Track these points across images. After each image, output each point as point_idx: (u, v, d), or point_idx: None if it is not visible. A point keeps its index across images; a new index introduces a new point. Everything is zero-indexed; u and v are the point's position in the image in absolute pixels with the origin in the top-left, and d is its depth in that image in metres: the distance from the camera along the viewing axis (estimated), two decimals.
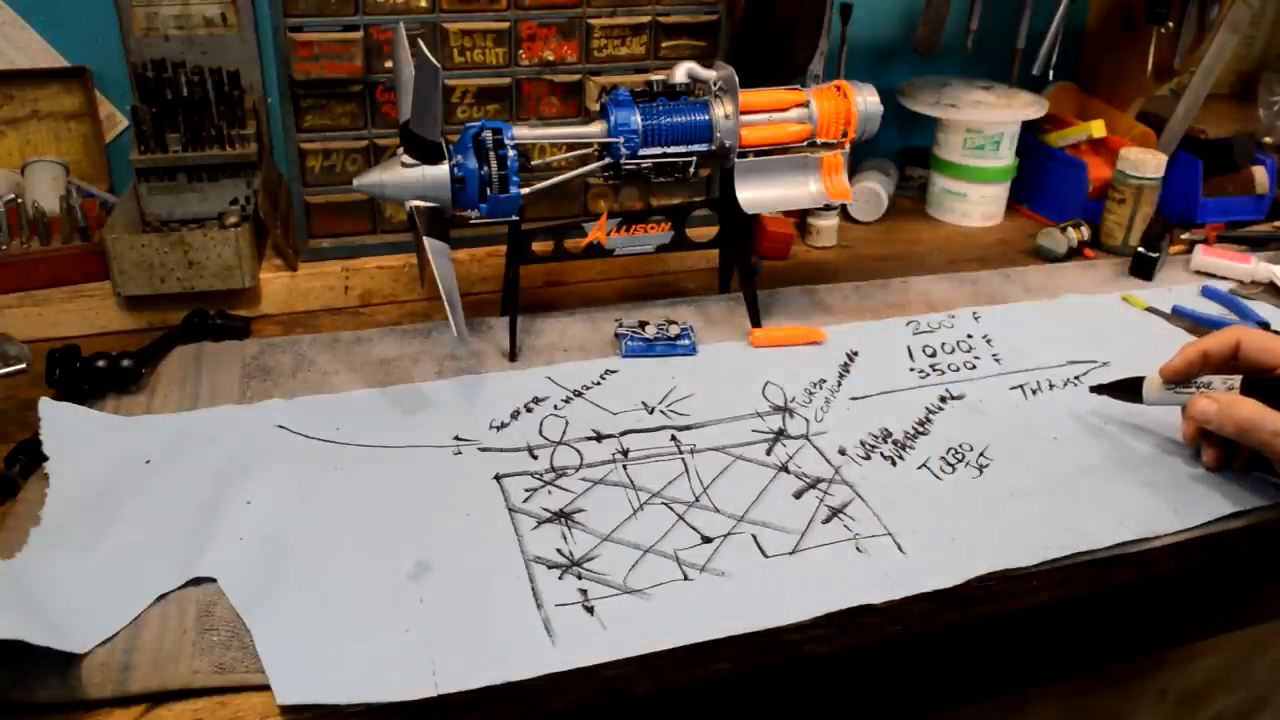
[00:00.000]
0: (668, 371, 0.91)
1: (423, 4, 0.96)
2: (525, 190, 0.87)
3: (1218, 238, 1.21)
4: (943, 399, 0.89)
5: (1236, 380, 0.74)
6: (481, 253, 1.05)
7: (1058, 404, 0.89)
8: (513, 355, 0.92)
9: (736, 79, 0.89)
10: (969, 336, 0.99)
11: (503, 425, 0.82)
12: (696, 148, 0.91)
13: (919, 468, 0.79)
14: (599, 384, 0.88)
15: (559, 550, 0.69)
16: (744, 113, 0.91)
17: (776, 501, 0.75)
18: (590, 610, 0.64)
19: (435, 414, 0.83)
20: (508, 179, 0.85)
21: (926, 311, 1.04)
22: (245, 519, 0.69)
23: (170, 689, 0.57)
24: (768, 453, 0.80)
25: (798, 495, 0.76)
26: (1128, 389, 0.82)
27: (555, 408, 0.85)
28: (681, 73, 0.91)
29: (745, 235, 0.98)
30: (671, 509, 0.74)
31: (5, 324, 0.91)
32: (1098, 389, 0.84)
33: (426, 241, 0.82)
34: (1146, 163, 1.17)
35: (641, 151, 0.89)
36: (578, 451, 0.79)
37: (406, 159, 0.83)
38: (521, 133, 0.87)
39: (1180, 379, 0.77)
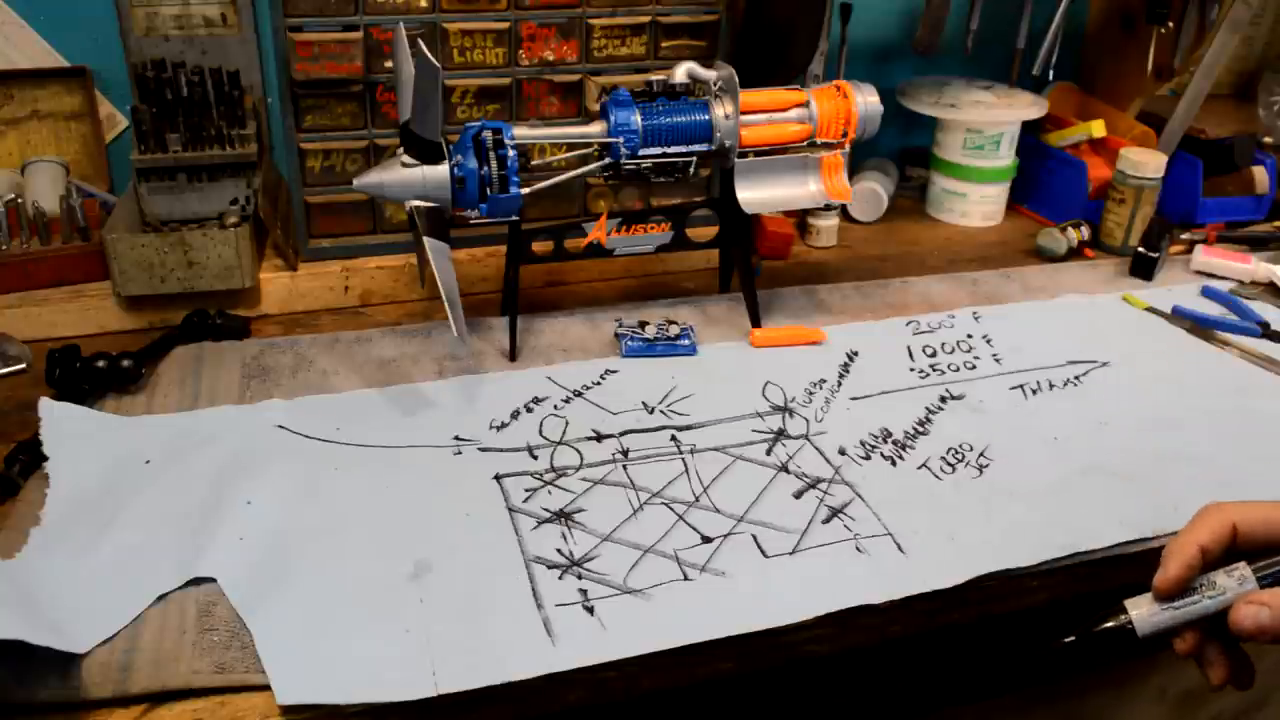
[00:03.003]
0: (668, 371, 0.91)
1: (423, 4, 0.96)
2: (525, 190, 0.87)
3: (1218, 238, 1.21)
4: (943, 399, 0.89)
5: (1248, 571, 0.58)
6: (481, 253, 1.05)
7: (1058, 404, 0.89)
8: (513, 355, 0.92)
9: (736, 79, 0.89)
10: (969, 336, 0.99)
11: (503, 425, 0.82)
12: (696, 148, 0.91)
13: (919, 468, 0.79)
14: (599, 384, 0.88)
15: (559, 550, 0.69)
16: (744, 113, 0.91)
17: (776, 501, 0.75)
18: (590, 610, 0.64)
19: (435, 414, 0.83)
20: (508, 179, 0.85)
21: (926, 311, 1.04)
22: (245, 519, 0.69)
23: (170, 689, 0.57)
24: (768, 453, 0.80)
25: (798, 495, 0.76)
26: (1110, 637, 0.60)
27: (555, 408, 0.85)
28: (681, 73, 0.91)
29: (745, 235, 0.98)
30: (671, 509, 0.74)
31: (5, 324, 0.91)
32: (1064, 646, 0.63)
33: (426, 241, 0.82)
34: (1146, 163, 1.17)
35: (641, 151, 0.89)
36: (578, 451, 0.79)
37: (406, 159, 0.83)
38: (521, 133, 0.87)
39: (1180, 591, 0.59)
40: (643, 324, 0.95)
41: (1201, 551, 0.58)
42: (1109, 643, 0.60)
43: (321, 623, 0.62)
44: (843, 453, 0.81)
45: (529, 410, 0.84)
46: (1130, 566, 0.73)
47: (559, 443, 0.80)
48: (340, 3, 0.94)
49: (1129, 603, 0.60)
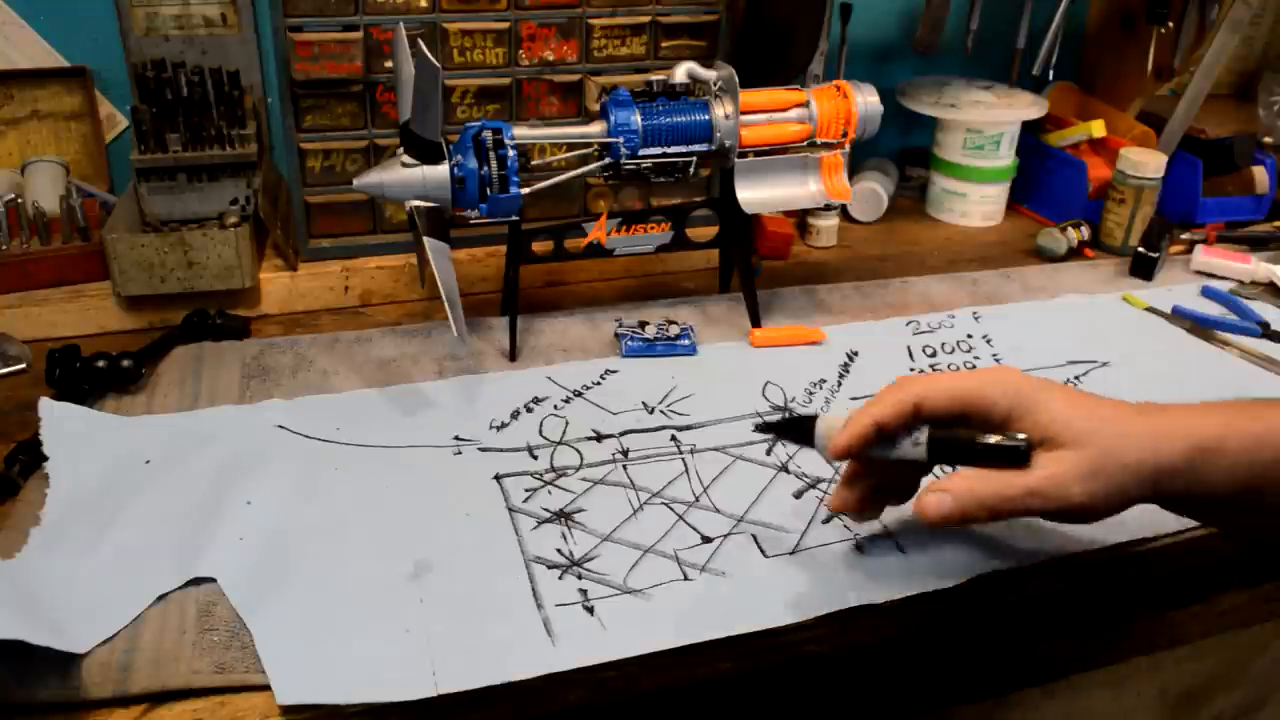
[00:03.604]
0: (668, 371, 0.91)
1: (423, 4, 0.96)
2: (525, 190, 0.87)
3: (1218, 238, 1.21)
4: None
5: (924, 436, 0.62)
6: (481, 253, 1.05)
7: None
8: (513, 355, 0.92)
9: (736, 79, 0.89)
10: (969, 336, 0.99)
11: (503, 425, 0.82)
12: (696, 148, 0.91)
13: None
14: (599, 384, 0.88)
15: (559, 550, 0.69)
16: (744, 113, 0.91)
17: (776, 501, 0.75)
18: (590, 610, 0.64)
19: (435, 414, 0.83)
20: (508, 179, 0.85)
21: (926, 311, 1.04)
22: (245, 519, 0.69)
23: (170, 689, 0.57)
24: (768, 453, 0.80)
25: (798, 495, 0.76)
26: (797, 429, 0.66)
27: (555, 408, 0.85)
28: (681, 73, 0.91)
29: (745, 235, 0.98)
30: (671, 509, 0.74)
31: (5, 324, 0.91)
32: (763, 427, 0.69)
33: (426, 241, 0.82)
34: (1146, 163, 1.17)
35: (641, 151, 0.89)
36: (578, 451, 0.79)
37: (406, 159, 0.83)
38: (521, 133, 0.87)
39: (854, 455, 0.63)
40: (643, 324, 0.95)
41: (877, 426, 0.61)
42: (793, 430, 0.66)
43: (321, 623, 0.62)
44: None
45: (529, 410, 0.84)
46: (1130, 566, 0.73)
47: (559, 443, 0.80)
48: (340, 3, 0.94)
49: (817, 425, 0.65)
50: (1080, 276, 1.14)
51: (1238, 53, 1.50)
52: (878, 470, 0.66)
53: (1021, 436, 0.60)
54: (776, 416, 0.68)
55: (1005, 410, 0.60)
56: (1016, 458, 0.59)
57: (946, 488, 0.59)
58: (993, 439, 0.60)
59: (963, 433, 0.61)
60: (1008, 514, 0.60)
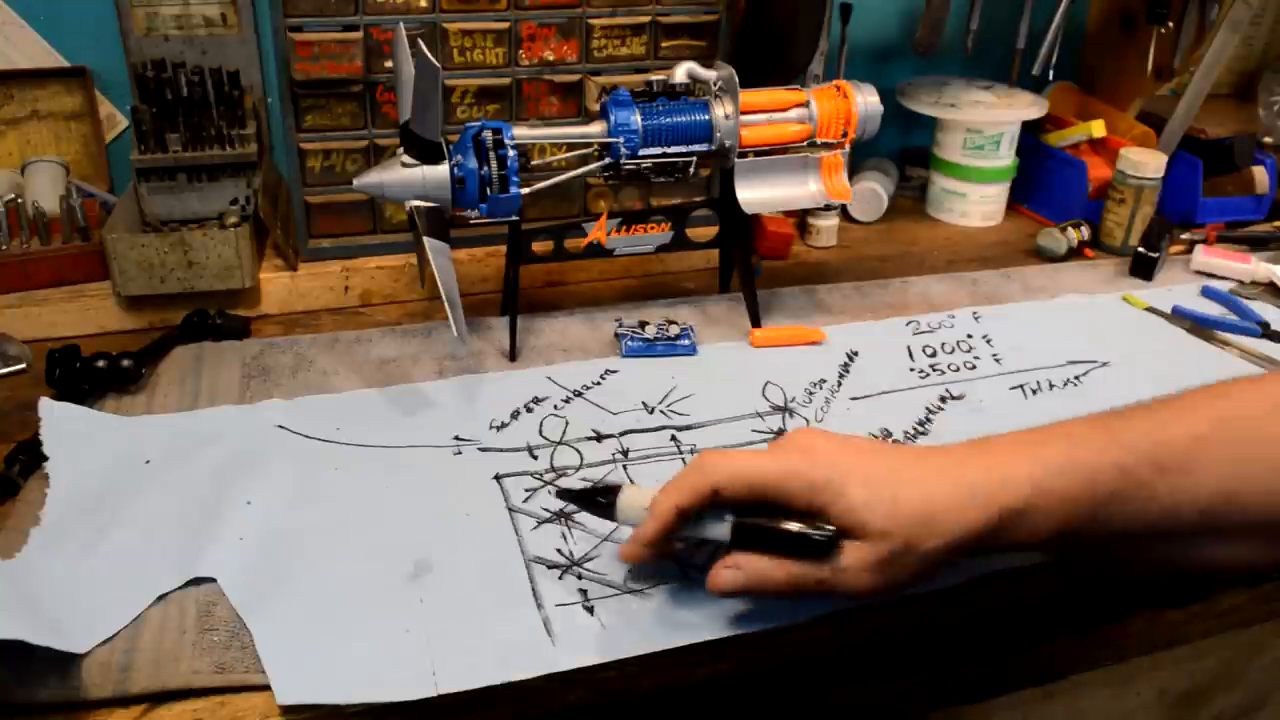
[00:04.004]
0: (668, 371, 0.91)
1: (423, 4, 0.96)
2: (525, 190, 0.87)
3: (1218, 238, 1.21)
4: (943, 399, 0.89)
5: (730, 519, 0.61)
6: (481, 253, 1.05)
7: (1058, 404, 0.89)
8: (513, 355, 0.92)
9: (736, 79, 0.89)
10: (969, 336, 0.99)
11: (503, 425, 0.82)
12: (696, 148, 0.91)
13: None
14: (599, 384, 0.88)
15: (559, 550, 0.69)
16: (744, 113, 0.91)
17: None
18: (590, 610, 0.64)
19: (435, 414, 0.83)
20: (508, 179, 0.85)
21: (926, 311, 1.04)
22: (245, 519, 0.69)
23: (170, 689, 0.57)
24: None
25: None
26: (597, 501, 0.65)
27: (555, 408, 0.85)
28: (681, 73, 0.91)
29: (745, 235, 0.98)
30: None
31: (5, 324, 0.91)
32: (563, 494, 0.68)
33: (426, 241, 0.82)
34: (1146, 163, 1.17)
35: (641, 151, 0.89)
36: (578, 451, 0.79)
37: (406, 159, 0.83)
38: (521, 133, 0.87)
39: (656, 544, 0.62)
40: (643, 324, 0.95)
41: (679, 513, 0.60)
42: (589, 502, 0.65)
43: (321, 623, 0.62)
44: None
45: (529, 410, 0.84)
46: (1130, 566, 0.73)
47: (559, 443, 0.80)
48: (340, 3, 0.94)
49: (626, 491, 0.64)
50: (1080, 276, 1.14)
51: (1238, 53, 1.50)
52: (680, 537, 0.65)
53: (829, 528, 0.58)
54: (580, 485, 0.68)
55: (805, 503, 0.59)
56: (820, 549, 0.59)
57: (740, 565, 0.59)
58: (795, 528, 0.59)
59: (766, 522, 0.60)
60: (801, 597, 0.61)
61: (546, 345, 0.94)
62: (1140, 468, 0.57)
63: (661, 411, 0.85)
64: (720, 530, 0.61)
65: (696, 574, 0.66)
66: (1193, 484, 0.58)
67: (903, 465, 0.60)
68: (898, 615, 0.67)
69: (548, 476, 0.76)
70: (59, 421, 0.77)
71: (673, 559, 0.67)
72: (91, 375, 0.82)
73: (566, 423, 0.83)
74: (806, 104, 0.93)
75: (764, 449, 0.64)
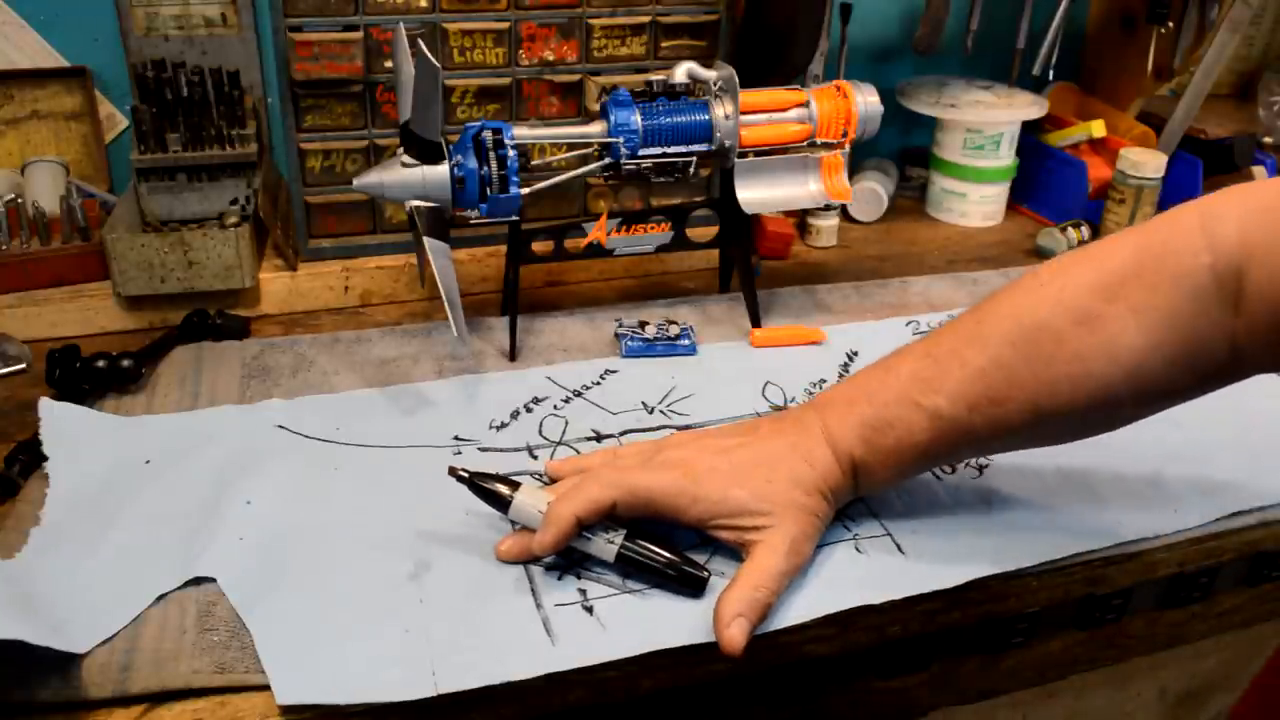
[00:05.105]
0: (668, 371, 0.91)
1: (423, 4, 0.96)
2: (525, 190, 0.87)
3: None
4: None
5: (617, 541, 0.65)
6: (481, 253, 1.05)
7: None
8: (513, 355, 0.92)
9: (736, 79, 0.89)
10: None
11: (503, 425, 0.82)
12: (696, 148, 0.91)
13: None
14: (599, 384, 0.88)
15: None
16: (744, 113, 0.91)
17: None
18: (590, 610, 0.64)
19: (435, 414, 0.83)
20: (508, 179, 0.85)
21: (926, 311, 1.04)
22: (245, 519, 0.69)
23: (170, 689, 0.57)
24: None
25: None
26: (492, 496, 0.68)
27: (555, 408, 0.85)
28: (681, 73, 0.91)
29: (745, 235, 0.98)
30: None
31: (5, 324, 0.91)
32: (462, 478, 0.68)
33: (426, 241, 0.82)
34: (1146, 163, 1.17)
35: (641, 151, 0.89)
36: (578, 452, 0.79)
37: (406, 159, 0.83)
38: (521, 133, 0.87)
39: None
40: (643, 324, 0.95)
41: (577, 522, 0.64)
42: (483, 492, 0.68)
43: (321, 622, 0.62)
44: None
45: (529, 410, 0.84)
46: (1130, 566, 0.73)
47: (559, 443, 0.80)
48: (340, 3, 0.94)
49: (520, 495, 0.67)
50: None
51: (1238, 53, 1.50)
52: None
53: (705, 572, 0.65)
54: (482, 476, 0.68)
55: (696, 517, 0.65)
56: (695, 586, 0.64)
57: (743, 614, 0.61)
58: (675, 566, 0.65)
59: (650, 556, 0.65)
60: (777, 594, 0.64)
61: (546, 345, 0.94)
62: (954, 409, 0.63)
63: (661, 411, 0.85)
64: (607, 550, 0.65)
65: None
66: (1005, 412, 0.62)
67: (761, 455, 0.66)
68: (898, 615, 0.67)
69: (548, 477, 0.76)
70: (59, 421, 0.77)
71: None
72: (91, 375, 0.82)
73: (566, 423, 0.83)
74: (806, 104, 0.93)
75: (645, 459, 0.68)
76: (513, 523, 0.69)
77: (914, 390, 0.64)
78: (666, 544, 0.66)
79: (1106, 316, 0.60)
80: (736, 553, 0.67)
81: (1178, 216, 0.62)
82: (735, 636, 0.60)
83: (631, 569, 0.65)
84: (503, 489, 0.67)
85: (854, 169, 1.30)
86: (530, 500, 0.66)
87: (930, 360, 0.65)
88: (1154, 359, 0.60)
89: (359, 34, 0.95)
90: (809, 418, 0.68)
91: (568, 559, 0.67)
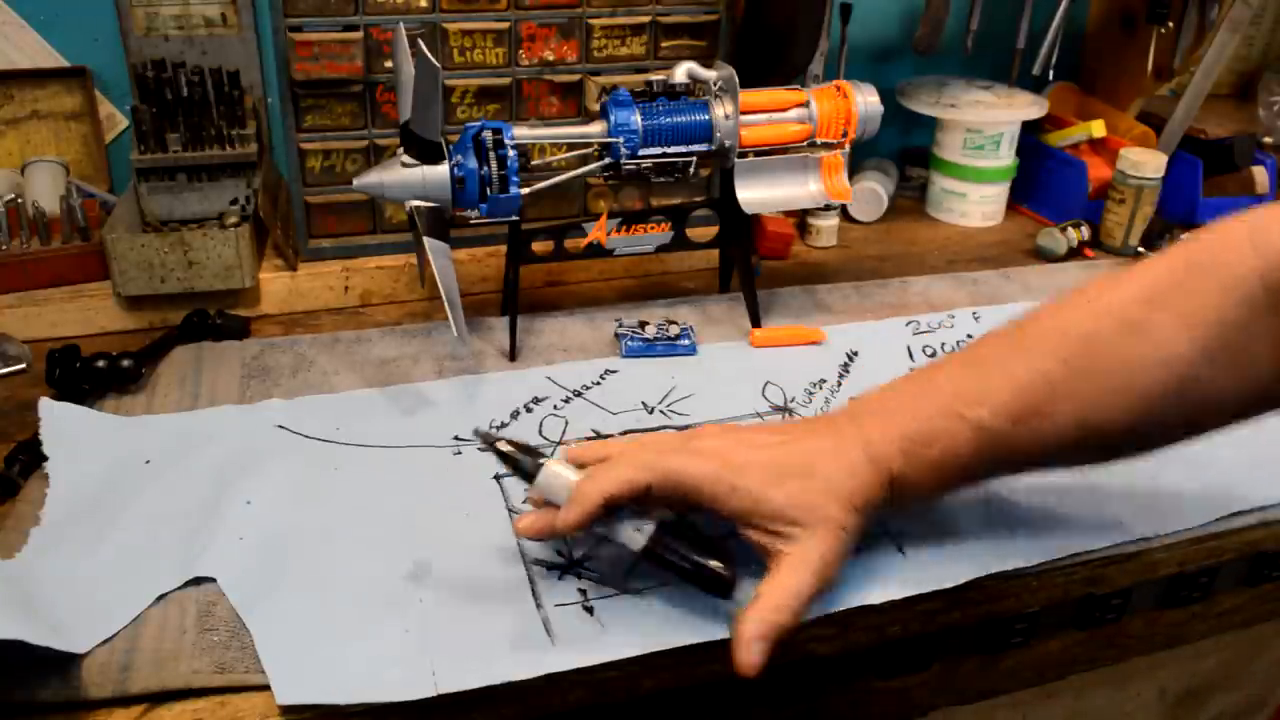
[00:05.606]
0: (668, 371, 0.91)
1: (423, 4, 0.96)
2: (525, 190, 0.87)
3: None
4: None
5: (648, 529, 0.62)
6: (481, 253, 1.05)
7: None
8: (513, 355, 0.92)
9: (736, 79, 0.89)
10: (969, 336, 0.99)
11: (502, 425, 0.82)
12: (696, 148, 0.91)
13: None
14: (599, 384, 0.88)
15: (558, 551, 0.69)
16: (744, 113, 0.91)
17: None
18: (590, 610, 0.64)
19: (435, 414, 0.83)
20: (508, 179, 0.85)
21: (926, 311, 1.04)
22: (245, 519, 0.69)
23: (170, 689, 0.57)
24: None
25: None
26: (519, 466, 0.64)
27: (555, 408, 0.85)
28: (681, 73, 0.91)
29: (745, 235, 0.98)
30: (671, 508, 0.73)
31: (5, 324, 0.91)
32: (485, 439, 0.65)
33: (426, 241, 0.82)
34: (1146, 163, 1.17)
35: (641, 151, 0.89)
36: None
37: (406, 159, 0.83)
38: (521, 133, 0.87)
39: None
40: (643, 324, 0.95)
41: (607, 501, 0.59)
42: (512, 464, 0.64)
43: (321, 623, 0.62)
44: None
45: (529, 410, 0.84)
46: (1130, 566, 0.73)
47: (559, 443, 0.80)
48: (340, 3, 0.94)
49: (550, 465, 0.63)
50: (1080, 277, 1.14)
51: (1238, 53, 1.50)
52: None
53: (726, 573, 0.61)
54: (507, 443, 0.64)
55: (733, 509, 0.61)
56: (720, 589, 0.62)
57: (761, 635, 0.58)
58: (711, 564, 0.61)
59: (679, 555, 0.61)
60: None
61: (546, 345, 0.94)
62: (998, 422, 0.60)
63: (661, 411, 0.85)
64: (633, 538, 0.61)
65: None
66: (1051, 425, 0.60)
67: (799, 456, 0.62)
68: (898, 615, 0.67)
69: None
70: (59, 421, 0.77)
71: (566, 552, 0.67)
72: (91, 375, 0.82)
73: (566, 423, 0.83)
74: (806, 104, 0.93)
75: (678, 446, 0.63)
76: (510, 513, 0.69)
77: (957, 403, 0.61)
78: (693, 540, 0.62)
79: (1154, 324, 0.59)
80: (740, 554, 0.68)
81: (1224, 229, 0.60)
82: (753, 661, 0.57)
83: (654, 564, 0.62)
84: (529, 459, 0.63)
85: (854, 169, 1.30)
86: (560, 473, 0.62)
87: (972, 372, 0.62)
88: (1202, 367, 0.58)
89: (359, 34, 0.95)
90: (845, 425, 0.64)
91: (576, 553, 0.66)
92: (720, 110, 0.90)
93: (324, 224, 1.02)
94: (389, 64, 0.95)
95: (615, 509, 0.61)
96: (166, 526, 0.69)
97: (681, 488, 0.60)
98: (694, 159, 0.91)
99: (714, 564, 0.61)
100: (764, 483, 0.60)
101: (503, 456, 0.64)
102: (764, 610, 0.58)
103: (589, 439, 0.81)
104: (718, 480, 0.60)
